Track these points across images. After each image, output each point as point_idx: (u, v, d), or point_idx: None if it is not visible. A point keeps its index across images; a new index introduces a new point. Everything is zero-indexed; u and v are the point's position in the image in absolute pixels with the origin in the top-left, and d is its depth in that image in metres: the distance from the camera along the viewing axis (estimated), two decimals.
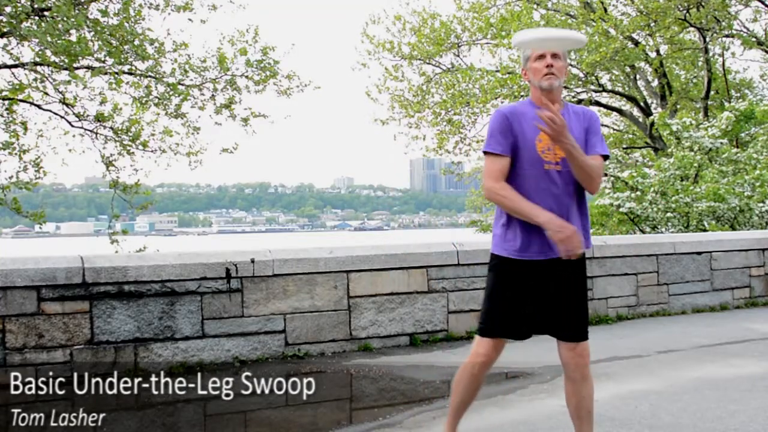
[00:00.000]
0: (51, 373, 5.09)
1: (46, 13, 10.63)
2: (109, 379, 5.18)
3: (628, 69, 21.98)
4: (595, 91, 22.81)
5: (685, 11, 18.07)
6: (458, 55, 22.07)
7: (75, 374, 5.15)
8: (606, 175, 15.18)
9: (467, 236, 19.36)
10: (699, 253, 8.20)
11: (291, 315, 5.87)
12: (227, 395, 4.83)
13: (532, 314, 3.16)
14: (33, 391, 4.90)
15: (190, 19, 12.96)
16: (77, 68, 10.75)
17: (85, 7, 11.28)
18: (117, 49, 11.04)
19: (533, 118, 3.09)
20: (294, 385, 5.10)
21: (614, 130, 26.51)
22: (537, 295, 3.15)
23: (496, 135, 3.13)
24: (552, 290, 3.15)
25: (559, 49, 3.13)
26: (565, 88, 21.61)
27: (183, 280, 5.50)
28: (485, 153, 3.14)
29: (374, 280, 6.22)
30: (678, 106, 21.74)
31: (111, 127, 12.21)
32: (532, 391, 4.76)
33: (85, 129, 12.35)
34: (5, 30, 10.52)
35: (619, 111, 24.18)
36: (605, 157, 3.21)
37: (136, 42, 11.31)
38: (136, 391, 4.96)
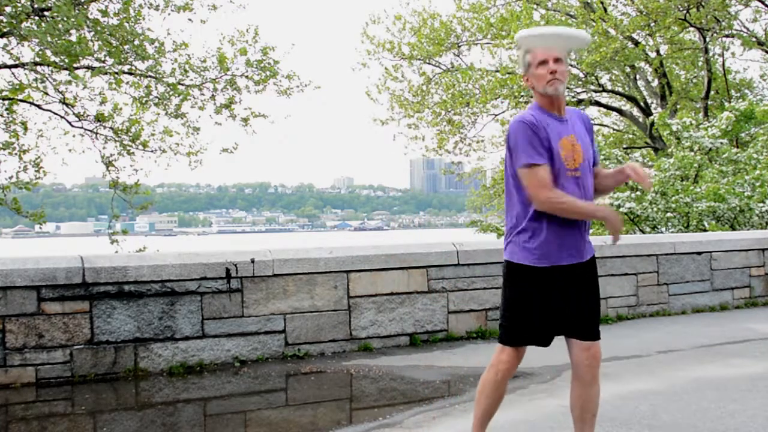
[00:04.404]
0: (51, 373, 5.09)
1: (46, 13, 10.63)
2: (109, 379, 5.19)
3: (628, 69, 21.98)
4: (595, 91, 22.81)
5: (685, 11, 18.06)
6: (458, 55, 22.09)
7: (75, 374, 5.15)
8: None
9: (467, 236, 19.35)
10: (699, 253, 8.19)
11: (291, 315, 5.87)
12: (227, 395, 4.83)
13: (554, 319, 3.16)
14: (33, 391, 4.91)
15: (190, 19, 12.99)
16: (77, 68, 10.76)
17: (85, 7, 11.29)
18: (117, 49, 11.04)
19: (553, 126, 3.10)
20: (294, 385, 5.11)
21: (614, 130, 26.53)
22: (558, 299, 3.14)
23: (534, 145, 3.04)
24: (573, 292, 3.16)
25: (563, 50, 3.12)
26: (565, 87, 21.60)
27: (183, 280, 5.50)
28: (528, 166, 3.03)
29: (374, 280, 6.21)
30: (678, 106, 21.74)
31: (111, 127, 12.23)
32: (531, 391, 4.77)
33: (85, 129, 12.37)
34: (5, 30, 10.53)
35: (619, 111, 24.18)
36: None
37: (136, 42, 11.32)
38: (135, 391, 4.96)
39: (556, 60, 3.07)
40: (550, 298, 3.13)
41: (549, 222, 3.09)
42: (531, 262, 3.12)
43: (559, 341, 3.25)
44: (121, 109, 12.26)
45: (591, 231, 3.42)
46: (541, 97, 3.15)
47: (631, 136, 25.35)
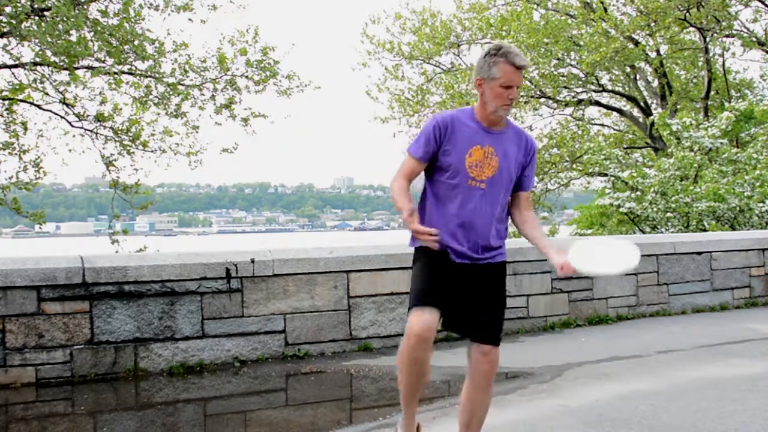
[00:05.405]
0: (51, 373, 5.09)
1: (46, 13, 10.63)
2: (109, 379, 5.19)
3: (628, 69, 21.98)
4: (595, 91, 22.80)
5: (685, 11, 18.06)
6: (458, 55, 22.09)
7: (75, 374, 5.15)
8: (606, 175, 15.19)
9: None
10: (699, 253, 8.19)
11: (291, 315, 5.87)
12: (227, 395, 4.83)
13: (451, 302, 3.15)
14: (33, 391, 4.91)
15: (190, 19, 12.97)
16: (77, 68, 10.76)
17: (85, 7, 11.29)
18: (117, 49, 11.04)
19: (469, 131, 3.12)
20: (294, 385, 5.11)
21: (614, 130, 26.52)
22: (455, 284, 3.14)
23: (423, 140, 3.15)
24: (469, 287, 3.15)
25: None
26: (565, 88, 21.62)
27: (183, 280, 5.50)
28: (407, 151, 3.19)
29: (374, 280, 6.21)
30: (678, 106, 21.73)
31: (111, 127, 12.22)
32: (532, 391, 4.76)
33: (85, 129, 12.37)
34: (5, 30, 10.53)
35: (619, 111, 24.18)
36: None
37: (136, 42, 11.32)
38: (135, 391, 4.96)
39: (518, 87, 3.13)
40: (444, 273, 3.14)
41: (437, 211, 3.15)
42: (416, 244, 3.21)
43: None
44: (121, 109, 12.27)
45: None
46: (482, 108, 3.16)
47: (631, 136, 25.34)
